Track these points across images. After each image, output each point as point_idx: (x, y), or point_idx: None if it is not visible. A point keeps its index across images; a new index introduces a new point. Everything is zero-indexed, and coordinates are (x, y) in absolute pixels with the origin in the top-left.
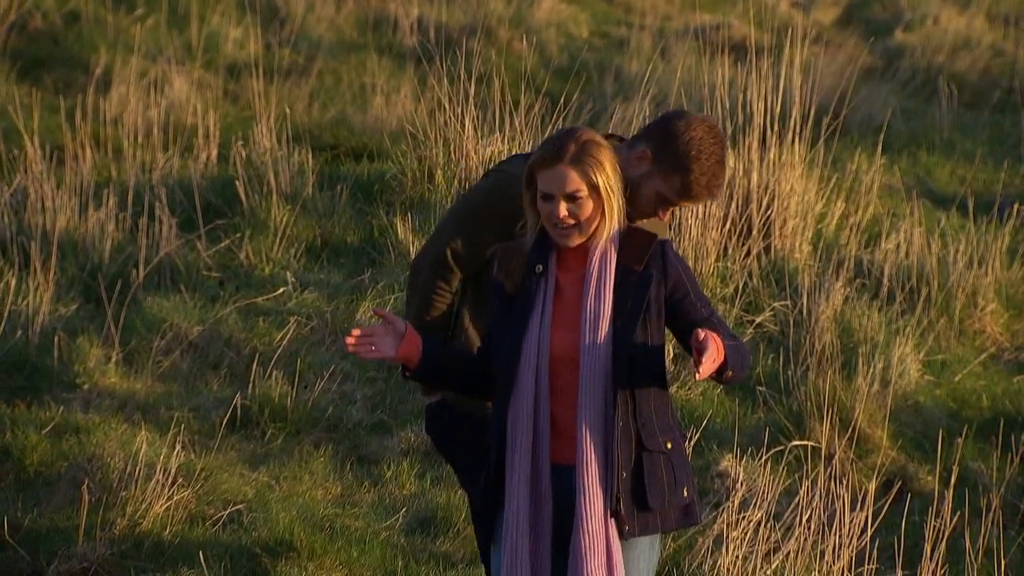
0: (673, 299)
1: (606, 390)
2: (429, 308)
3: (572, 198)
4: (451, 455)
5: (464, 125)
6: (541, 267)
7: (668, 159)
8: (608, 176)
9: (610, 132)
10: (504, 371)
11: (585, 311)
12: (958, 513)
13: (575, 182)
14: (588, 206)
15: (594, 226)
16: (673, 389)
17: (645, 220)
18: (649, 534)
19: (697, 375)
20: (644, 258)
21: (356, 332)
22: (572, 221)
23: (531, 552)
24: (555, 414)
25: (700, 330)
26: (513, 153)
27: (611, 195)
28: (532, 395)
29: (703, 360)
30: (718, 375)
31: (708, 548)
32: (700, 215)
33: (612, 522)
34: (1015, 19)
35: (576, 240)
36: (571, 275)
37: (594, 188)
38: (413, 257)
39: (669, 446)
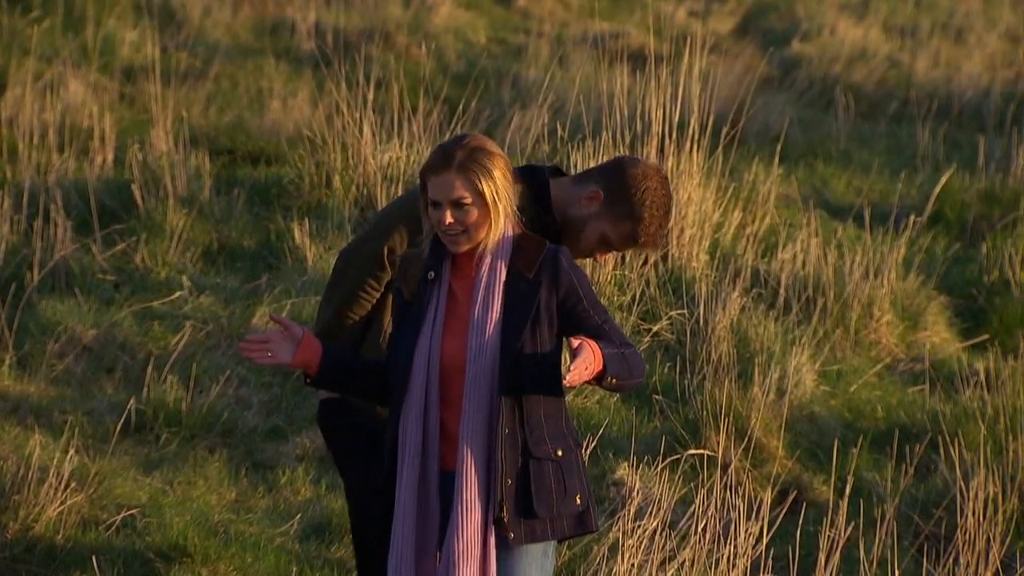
0: (566, 306)
1: (491, 397)
2: (352, 305)
3: (458, 205)
4: (342, 456)
5: (362, 130)
6: (433, 274)
7: (621, 205)
8: (495, 184)
9: (555, 164)
10: (397, 378)
11: (472, 318)
12: (852, 523)
13: (460, 189)
14: (474, 213)
15: (482, 233)
16: (569, 397)
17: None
18: (537, 541)
19: (564, 381)
20: (535, 265)
21: (251, 337)
22: (459, 228)
23: (416, 560)
24: (445, 421)
25: (576, 337)
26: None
27: (497, 202)
28: (422, 402)
29: (572, 366)
30: (598, 381)
31: (603, 556)
32: None
33: (493, 529)
34: (911, 30)
35: (464, 246)
36: (464, 282)
37: (480, 195)
38: (342, 250)
39: (560, 453)
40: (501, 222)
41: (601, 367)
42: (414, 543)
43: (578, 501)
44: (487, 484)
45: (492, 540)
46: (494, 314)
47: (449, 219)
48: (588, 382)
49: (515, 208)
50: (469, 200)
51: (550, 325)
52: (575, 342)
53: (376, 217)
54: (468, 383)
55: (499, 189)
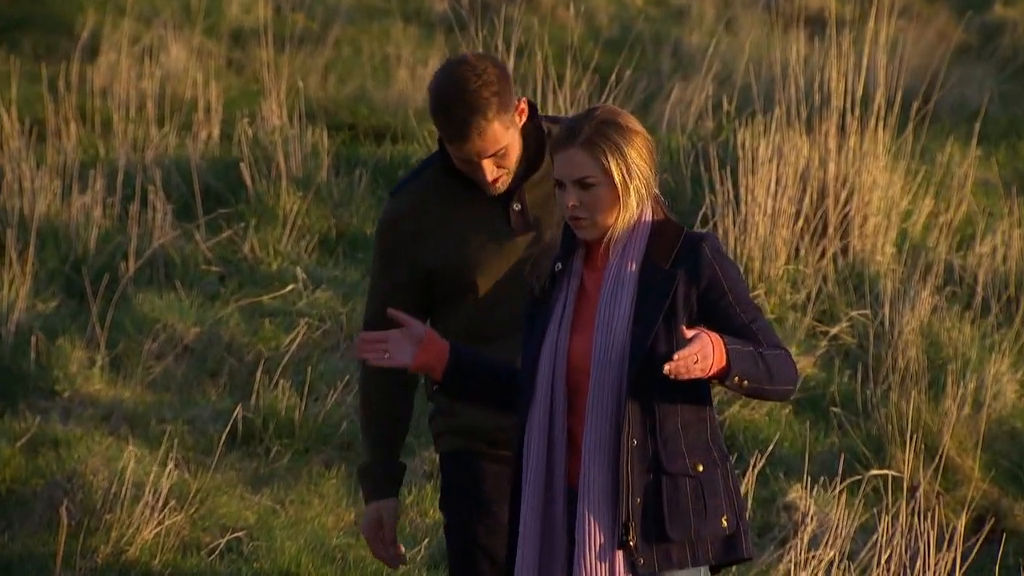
0: (707, 301)
1: (618, 404)
2: (371, 415)
3: (583, 185)
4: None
5: None
6: (560, 265)
7: None
8: (626, 162)
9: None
10: (524, 383)
11: (599, 314)
12: None
13: (584, 167)
14: (601, 195)
15: (611, 218)
16: (734, 408)
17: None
18: (674, 568)
19: (664, 368)
20: (671, 254)
21: (366, 336)
22: (585, 212)
23: None
24: (574, 431)
25: (693, 328)
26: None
27: (628, 183)
28: (547, 410)
29: (677, 356)
30: (720, 380)
31: None
32: (768, 211)
33: (621, 555)
34: None
35: (591, 233)
36: (596, 274)
37: (607, 175)
38: None
39: (700, 469)
40: (633, 205)
41: (724, 363)
42: (537, 569)
43: (724, 523)
44: (614, 503)
45: (620, 567)
46: (623, 309)
47: (573, 201)
48: (711, 380)
49: (656, 191)
50: (595, 180)
51: (689, 324)
52: (689, 332)
53: None
54: (592, 388)
55: (631, 168)
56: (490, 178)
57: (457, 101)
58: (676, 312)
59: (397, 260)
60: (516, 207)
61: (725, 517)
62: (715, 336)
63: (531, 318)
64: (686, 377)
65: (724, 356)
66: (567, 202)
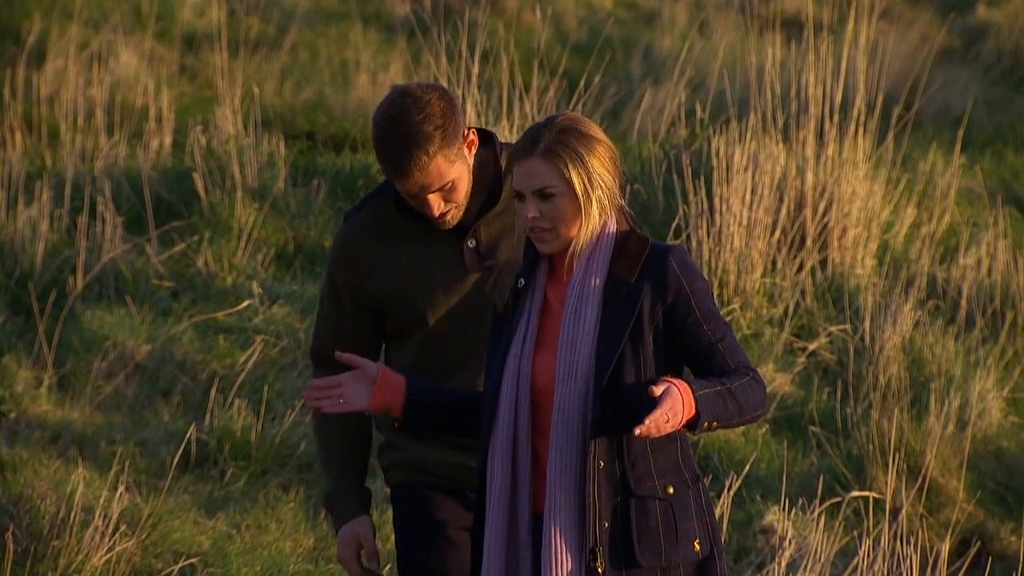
0: (674, 317)
1: (583, 424)
2: (330, 442)
3: (544, 196)
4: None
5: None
6: (523, 281)
7: None
8: (586, 169)
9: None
10: (486, 405)
11: (563, 331)
12: None
13: (544, 177)
14: (562, 206)
15: (574, 230)
16: None
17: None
18: None
19: (635, 430)
20: (636, 267)
21: (315, 383)
22: (546, 224)
23: None
24: (539, 453)
25: (662, 383)
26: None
27: (589, 192)
28: (510, 431)
29: (648, 419)
30: (690, 429)
31: None
32: (744, 222)
33: None
34: None
35: (553, 246)
36: (560, 288)
37: (569, 185)
38: None
39: (670, 491)
40: (595, 216)
41: (693, 413)
42: None
43: (697, 547)
44: (581, 528)
45: None
46: (587, 327)
47: (533, 212)
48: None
49: (620, 201)
50: (556, 190)
51: (655, 340)
52: (657, 389)
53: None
54: (556, 409)
55: (592, 177)
56: (436, 213)
57: (396, 135)
58: (642, 327)
59: (344, 286)
60: (471, 244)
61: (698, 540)
62: (683, 386)
63: (494, 336)
64: (656, 435)
65: (693, 405)
66: (527, 214)
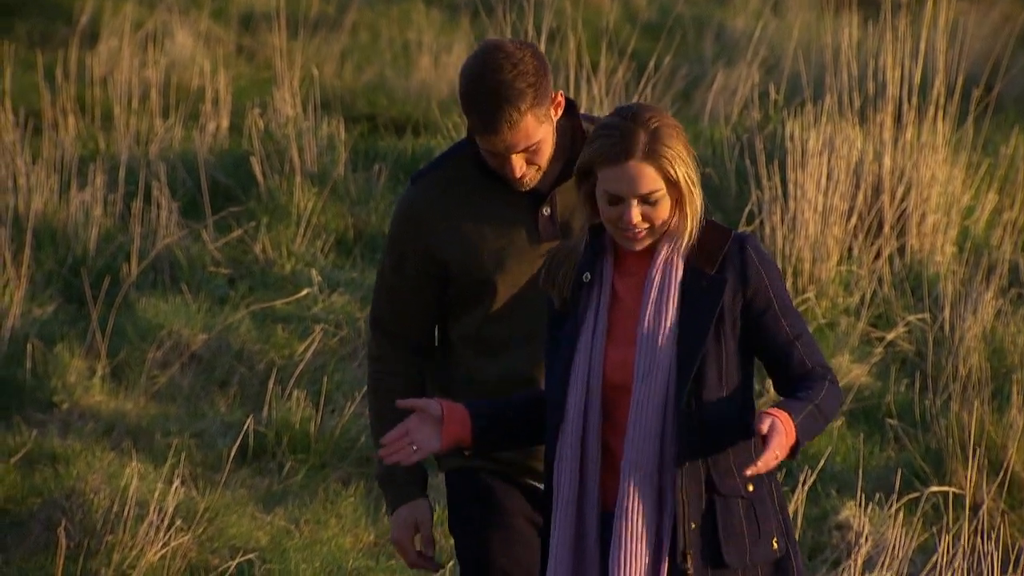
0: (752, 312)
1: (663, 422)
2: (385, 421)
3: (649, 200)
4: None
5: None
6: (589, 275)
7: None
8: (687, 165)
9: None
10: (552, 403)
11: (642, 327)
12: None
13: (652, 181)
14: (665, 206)
15: (668, 226)
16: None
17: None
18: None
19: (749, 470)
20: (718, 258)
21: (387, 439)
22: (646, 225)
23: None
24: (611, 451)
25: (765, 418)
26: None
27: (692, 188)
28: (580, 428)
29: (760, 462)
30: (790, 458)
31: None
32: (819, 208)
33: None
34: None
35: (646, 244)
36: (631, 280)
37: (673, 184)
38: None
39: (751, 488)
40: (698, 212)
41: (794, 441)
42: None
43: (775, 545)
44: (656, 528)
45: None
46: (668, 321)
47: (637, 217)
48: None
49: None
50: (662, 191)
51: (734, 333)
52: (763, 426)
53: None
54: (634, 406)
55: (692, 171)
56: (518, 174)
57: (489, 90)
58: (724, 322)
59: (410, 252)
60: (546, 211)
61: (775, 539)
62: (784, 417)
63: (552, 330)
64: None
65: (794, 434)
66: (631, 219)
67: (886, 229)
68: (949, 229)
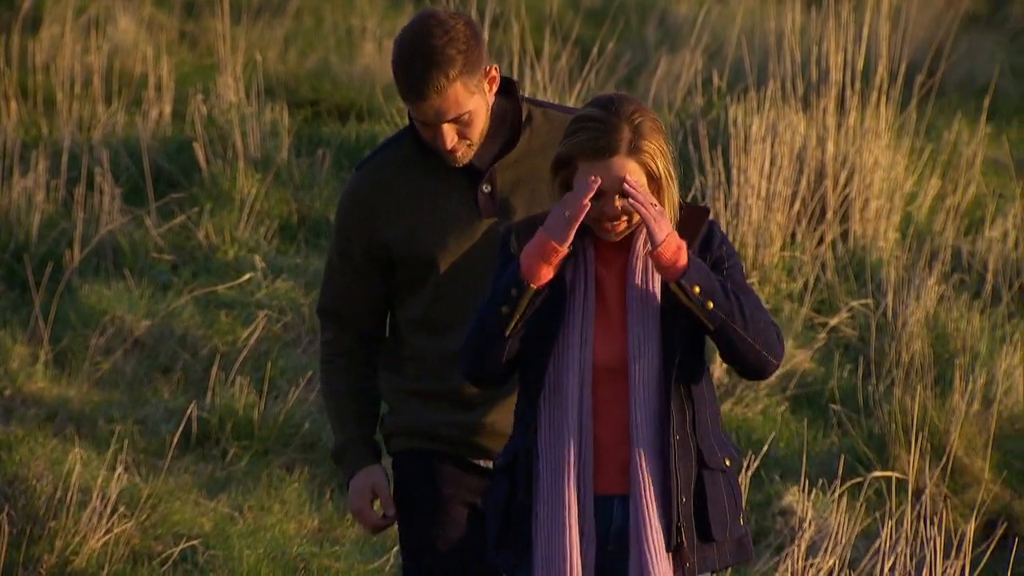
0: None
1: (659, 401)
2: (340, 395)
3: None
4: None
5: None
6: (572, 247)
7: None
8: (667, 159)
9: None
10: (537, 381)
11: (633, 308)
12: None
13: (636, 176)
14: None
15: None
16: (728, 406)
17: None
18: (707, 572)
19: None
20: (696, 240)
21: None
22: (625, 219)
23: None
24: (598, 432)
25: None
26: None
27: (671, 181)
28: (577, 410)
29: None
30: (676, 281)
31: None
32: (763, 193)
33: (670, 558)
34: None
35: (624, 235)
36: (610, 267)
37: (654, 178)
38: None
39: (727, 463)
40: (676, 197)
41: (684, 263)
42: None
43: (741, 522)
44: (667, 505)
45: (671, 571)
46: (654, 301)
47: (619, 210)
48: (667, 279)
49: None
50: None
51: None
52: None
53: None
54: (634, 386)
55: (670, 164)
56: (449, 146)
57: (418, 55)
58: None
59: (355, 236)
60: (486, 189)
61: (741, 516)
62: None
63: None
64: (643, 212)
65: (684, 255)
66: (612, 213)
67: (829, 215)
68: (892, 215)
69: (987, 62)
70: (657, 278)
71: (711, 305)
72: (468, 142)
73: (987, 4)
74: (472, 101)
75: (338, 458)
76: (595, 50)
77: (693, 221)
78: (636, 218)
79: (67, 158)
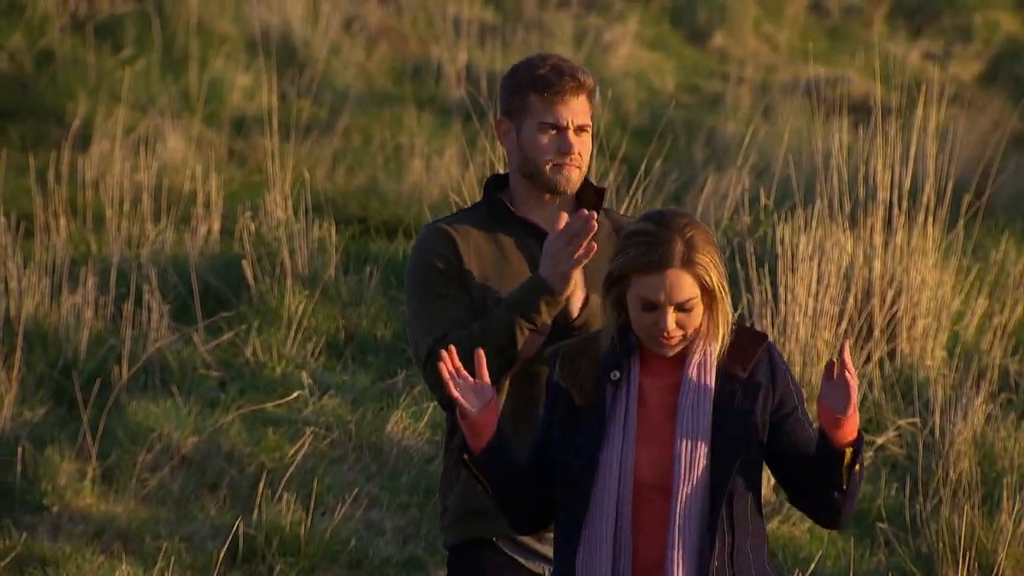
0: (780, 414)
1: (702, 526)
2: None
3: (683, 307)
4: None
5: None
6: (617, 373)
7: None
8: (720, 272)
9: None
10: (573, 498)
11: (681, 428)
12: None
13: (689, 289)
14: (699, 313)
15: (698, 331)
16: (775, 524)
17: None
18: None
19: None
20: (751, 362)
21: (455, 355)
22: (680, 332)
23: None
24: (637, 550)
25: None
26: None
27: (724, 295)
28: (612, 528)
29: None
30: (854, 447)
31: None
32: (810, 311)
33: None
34: None
35: (678, 350)
36: (658, 380)
37: (707, 291)
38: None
39: None
40: (729, 319)
41: (857, 433)
42: None
43: None
44: None
45: None
46: (707, 423)
47: (672, 324)
48: (836, 446)
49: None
50: (697, 299)
51: (762, 436)
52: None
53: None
54: (678, 509)
55: (723, 278)
56: (576, 149)
57: (560, 61)
58: (756, 424)
59: (449, 274)
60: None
61: None
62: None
63: (569, 424)
64: (845, 392)
65: (857, 425)
66: (666, 326)
67: (876, 333)
68: (939, 333)
69: None
70: (709, 400)
71: (857, 467)
72: (580, 165)
73: None
74: (590, 120)
75: (514, 305)
76: (643, 168)
77: (749, 344)
78: (691, 331)
79: (116, 275)
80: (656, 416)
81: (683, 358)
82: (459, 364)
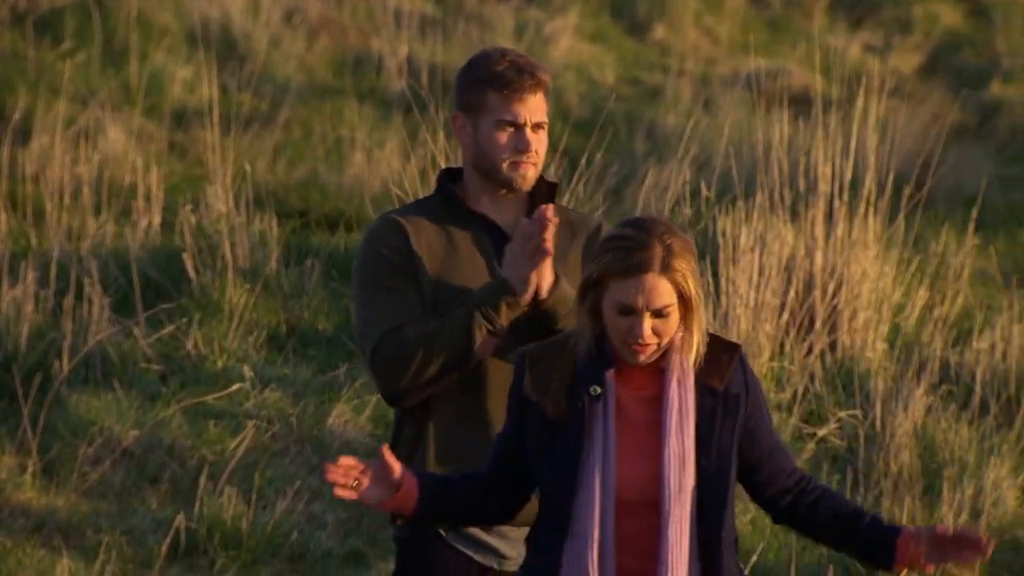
0: (749, 424)
1: (691, 544)
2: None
3: (660, 313)
4: None
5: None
6: (598, 389)
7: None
8: (697, 281)
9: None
10: (555, 511)
11: (668, 446)
12: None
13: (666, 295)
14: (674, 320)
15: (672, 341)
16: None
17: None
18: None
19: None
20: (726, 375)
21: (343, 461)
22: (655, 339)
23: None
24: (623, 565)
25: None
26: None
27: (700, 305)
28: (595, 544)
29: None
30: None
31: None
32: (751, 303)
33: None
34: None
35: (651, 358)
36: (634, 392)
37: (683, 299)
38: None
39: None
40: (703, 328)
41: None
42: None
43: None
44: None
45: None
46: (691, 440)
47: (648, 331)
48: (894, 566)
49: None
50: (673, 306)
51: (736, 449)
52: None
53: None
54: (668, 526)
55: (699, 287)
56: (533, 147)
57: (519, 57)
58: (735, 436)
59: (399, 267)
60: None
61: None
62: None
63: (544, 438)
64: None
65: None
66: (642, 332)
67: (818, 325)
68: (880, 325)
69: (974, 173)
70: (692, 416)
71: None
72: (538, 160)
73: (974, 116)
74: (546, 118)
75: (474, 306)
76: (583, 160)
77: (723, 354)
78: (665, 340)
79: (56, 269)
80: (637, 431)
81: (660, 370)
82: (346, 468)
